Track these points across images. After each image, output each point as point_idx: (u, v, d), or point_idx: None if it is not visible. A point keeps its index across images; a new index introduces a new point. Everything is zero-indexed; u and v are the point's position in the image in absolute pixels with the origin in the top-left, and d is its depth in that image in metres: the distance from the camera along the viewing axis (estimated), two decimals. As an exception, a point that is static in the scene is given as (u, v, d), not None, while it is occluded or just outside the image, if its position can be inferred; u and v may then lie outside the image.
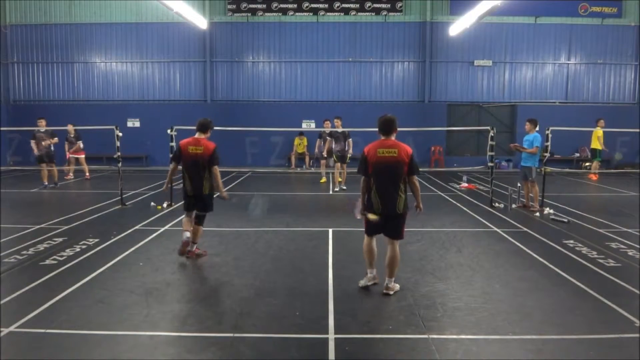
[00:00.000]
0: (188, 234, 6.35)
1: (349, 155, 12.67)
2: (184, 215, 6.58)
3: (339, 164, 12.76)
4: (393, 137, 5.00)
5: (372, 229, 5.14)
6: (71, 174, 15.14)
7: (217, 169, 6.25)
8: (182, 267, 6.04)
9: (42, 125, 12.96)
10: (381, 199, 4.91)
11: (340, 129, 12.62)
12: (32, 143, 12.94)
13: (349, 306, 4.79)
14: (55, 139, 13.03)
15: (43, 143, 12.78)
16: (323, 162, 14.25)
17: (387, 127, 4.97)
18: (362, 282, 5.30)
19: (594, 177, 15.15)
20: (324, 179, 14.24)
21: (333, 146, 12.71)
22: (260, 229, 8.16)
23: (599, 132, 14.54)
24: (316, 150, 14.41)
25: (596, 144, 14.72)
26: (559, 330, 4.23)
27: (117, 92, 19.38)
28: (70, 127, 14.54)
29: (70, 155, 14.91)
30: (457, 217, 9.30)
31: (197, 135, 6.33)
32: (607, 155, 16.76)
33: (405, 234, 5.17)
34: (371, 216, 4.98)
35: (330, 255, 6.61)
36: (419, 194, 5.04)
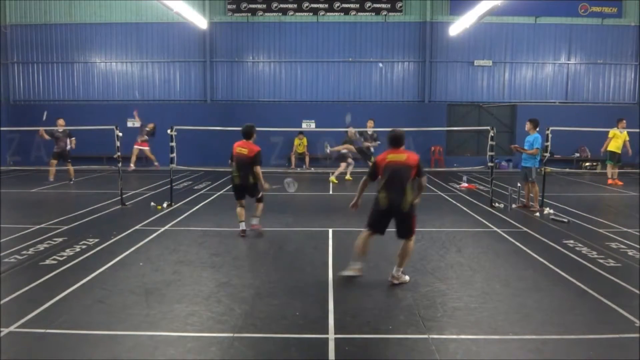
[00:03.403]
0: (243, 225, 7.65)
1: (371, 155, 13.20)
2: (237, 206, 7.70)
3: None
4: (402, 147, 5.52)
5: (372, 226, 5.49)
6: (132, 165, 16.37)
7: (258, 168, 7.39)
8: (182, 267, 6.04)
9: (60, 125, 13.77)
10: (388, 195, 5.29)
11: (370, 130, 13.10)
12: (51, 139, 13.88)
13: (349, 306, 4.79)
14: (73, 140, 13.90)
15: (69, 146, 13.76)
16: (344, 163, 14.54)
17: (397, 141, 5.51)
18: (344, 272, 5.56)
19: (618, 183, 13.93)
20: (349, 177, 14.73)
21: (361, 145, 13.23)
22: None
23: (610, 133, 13.78)
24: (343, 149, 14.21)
25: (617, 146, 13.72)
26: (559, 330, 4.23)
27: (117, 92, 19.38)
28: (151, 125, 16.28)
29: (136, 147, 16.30)
30: (457, 217, 9.29)
31: (244, 140, 7.52)
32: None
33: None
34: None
35: (330, 255, 6.61)
36: (422, 192, 5.49)
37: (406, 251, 5.36)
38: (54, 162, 13.93)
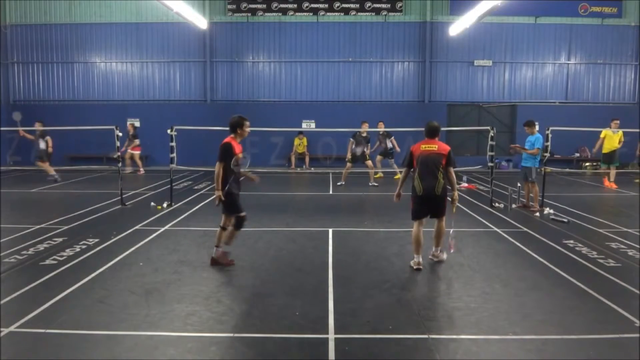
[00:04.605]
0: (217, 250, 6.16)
1: (367, 154, 13.75)
2: None
3: (350, 165, 13.67)
4: (436, 139, 6.09)
5: (416, 214, 6.07)
6: (128, 168, 16.62)
7: (216, 166, 5.86)
8: (182, 267, 6.04)
9: (37, 128, 14.09)
10: (422, 181, 5.93)
11: (364, 133, 13.54)
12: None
13: (349, 306, 4.79)
14: (48, 139, 14.09)
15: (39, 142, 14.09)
16: (379, 158, 15.14)
17: (432, 131, 6.12)
18: (411, 263, 6.04)
19: (606, 184, 13.54)
20: (379, 175, 15.29)
21: (354, 147, 13.57)
22: (260, 229, 8.16)
23: (601, 134, 13.35)
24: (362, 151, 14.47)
25: (610, 147, 13.28)
26: (559, 330, 4.23)
27: (117, 92, 19.37)
28: (129, 126, 16.56)
29: (129, 151, 16.54)
30: (457, 217, 9.23)
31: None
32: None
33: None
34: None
35: (330, 255, 6.61)
36: (454, 184, 6.06)
37: (440, 231, 6.12)
38: (40, 162, 14.26)
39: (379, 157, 15.20)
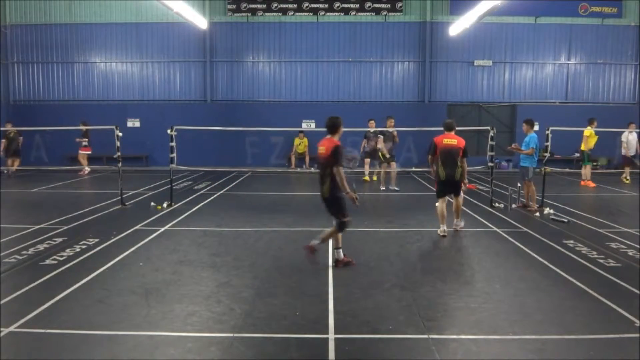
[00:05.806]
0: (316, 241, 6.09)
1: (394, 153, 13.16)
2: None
3: (385, 164, 13.02)
4: (453, 132, 7.72)
5: (440, 193, 7.79)
6: (86, 168, 16.52)
7: (339, 170, 5.71)
8: (182, 267, 6.04)
9: (8, 127, 15.54)
10: (445, 169, 7.57)
11: (390, 129, 12.89)
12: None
13: (349, 306, 4.79)
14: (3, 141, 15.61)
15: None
16: (367, 161, 14.40)
17: (448, 126, 7.80)
18: (438, 231, 7.63)
19: (590, 184, 13.62)
20: (366, 177, 14.69)
21: (382, 145, 12.91)
22: (260, 229, 8.16)
23: (586, 132, 13.46)
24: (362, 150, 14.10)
25: (590, 147, 13.57)
26: (559, 330, 4.23)
27: (117, 92, 19.37)
28: (81, 125, 16.13)
29: (81, 152, 16.47)
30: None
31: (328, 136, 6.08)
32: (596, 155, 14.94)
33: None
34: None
35: (330, 255, 6.60)
36: (465, 171, 7.67)
37: (458, 206, 7.80)
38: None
39: (367, 160, 14.41)
